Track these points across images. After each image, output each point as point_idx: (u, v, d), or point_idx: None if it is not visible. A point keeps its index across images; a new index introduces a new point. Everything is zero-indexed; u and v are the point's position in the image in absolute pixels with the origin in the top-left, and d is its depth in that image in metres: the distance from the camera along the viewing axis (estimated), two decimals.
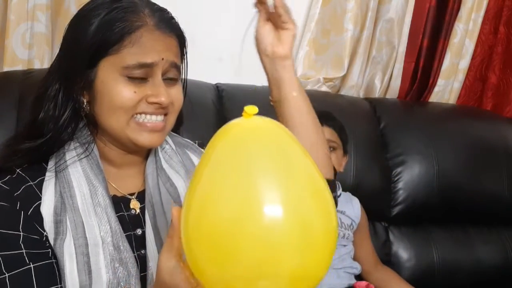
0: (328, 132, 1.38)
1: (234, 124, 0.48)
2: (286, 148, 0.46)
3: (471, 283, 1.64)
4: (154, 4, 0.80)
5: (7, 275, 0.69)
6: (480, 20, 1.89)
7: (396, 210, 1.62)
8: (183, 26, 0.83)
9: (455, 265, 1.63)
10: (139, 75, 0.75)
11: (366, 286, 1.36)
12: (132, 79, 0.75)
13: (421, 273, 1.59)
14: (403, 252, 1.61)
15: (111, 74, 0.75)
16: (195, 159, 0.90)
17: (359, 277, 1.43)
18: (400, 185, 1.63)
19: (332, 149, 1.39)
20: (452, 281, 1.62)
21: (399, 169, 1.63)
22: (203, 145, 0.95)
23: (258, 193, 0.43)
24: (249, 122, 0.47)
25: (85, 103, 0.78)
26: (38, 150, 0.77)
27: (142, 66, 0.74)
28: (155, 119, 0.78)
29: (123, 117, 0.76)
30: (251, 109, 0.48)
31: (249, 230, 0.42)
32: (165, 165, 0.85)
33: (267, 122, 0.48)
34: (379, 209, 1.56)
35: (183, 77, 0.86)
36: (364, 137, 1.61)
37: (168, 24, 0.78)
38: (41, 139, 0.77)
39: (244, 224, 0.42)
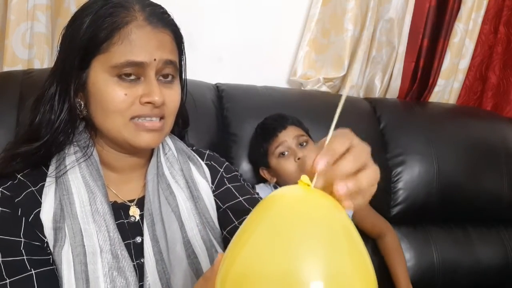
0: (293, 130, 1.35)
1: (286, 193, 0.51)
2: (331, 219, 0.48)
3: (471, 283, 1.64)
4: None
5: (8, 281, 0.68)
6: (480, 20, 1.89)
7: (396, 210, 1.62)
8: (183, 26, 0.81)
9: (455, 265, 1.63)
10: (130, 73, 0.73)
11: None
12: (123, 79, 0.73)
13: (421, 273, 1.59)
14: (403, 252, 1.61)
15: (102, 75, 0.73)
16: (196, 173, 0.88)
17: None
18: (400, 185, 1.62)
19: (306, 143, 1.35)
20: (452, 281, 1.62)
21: (399, 169, 1.63)
22: (212, 156, 0.94)
23: (301, 264, 0.43)
24: (303, 193, 0.50)
25: (82, 106, 0.77)
26: (36, 153, 0.76)
27: (132, 64, 0.72)
28: (151, 119, 0.76)
29: (119, 119, 0.74)
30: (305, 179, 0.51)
31: None
32: (166, 172, 0.84)
33: (318, 194, 0.51)
34: (379, 209, 1.55)
35: (183, 77, 0.84)
36: (364, 137, 1.57)
37: (159, 19, 0.75)
38: (38, 142, 0.76)
39: None
